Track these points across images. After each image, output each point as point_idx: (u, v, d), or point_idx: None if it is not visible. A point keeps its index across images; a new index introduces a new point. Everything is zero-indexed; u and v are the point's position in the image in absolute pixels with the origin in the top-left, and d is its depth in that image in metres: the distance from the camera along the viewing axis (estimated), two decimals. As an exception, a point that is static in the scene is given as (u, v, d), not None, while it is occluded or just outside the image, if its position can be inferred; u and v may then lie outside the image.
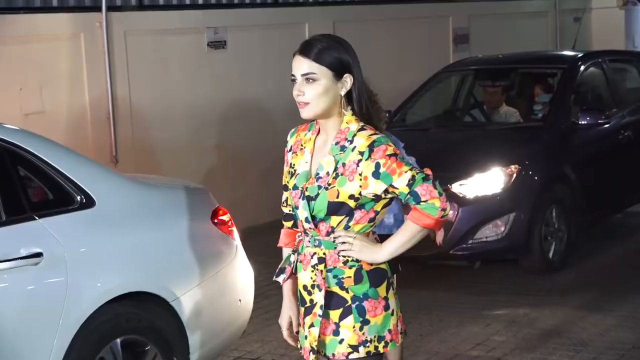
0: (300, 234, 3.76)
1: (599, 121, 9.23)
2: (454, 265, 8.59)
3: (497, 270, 8.65)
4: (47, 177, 5.05)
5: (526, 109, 9.81)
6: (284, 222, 3.93)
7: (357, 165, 3.56)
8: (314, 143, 3.72)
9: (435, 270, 8.44)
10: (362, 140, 3.57)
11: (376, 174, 3.54)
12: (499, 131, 9.30)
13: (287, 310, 3.89)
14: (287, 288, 3.87)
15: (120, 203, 5.26)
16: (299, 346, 3.84)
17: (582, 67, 9.77)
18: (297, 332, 3.86)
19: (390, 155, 3.54)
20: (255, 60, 11.09)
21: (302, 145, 3.76)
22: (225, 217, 5.73)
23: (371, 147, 3.55)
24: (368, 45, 10.84)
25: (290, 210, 3.86)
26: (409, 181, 3.54)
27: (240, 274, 5.77)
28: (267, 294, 7.83)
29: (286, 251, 3.90)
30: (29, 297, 4.71)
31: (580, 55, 10.13)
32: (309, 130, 3.78)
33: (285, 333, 3.92)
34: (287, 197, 3.84)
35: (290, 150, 3.81)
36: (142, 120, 9.81)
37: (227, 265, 5.65)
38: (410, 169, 3.55)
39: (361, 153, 3.56)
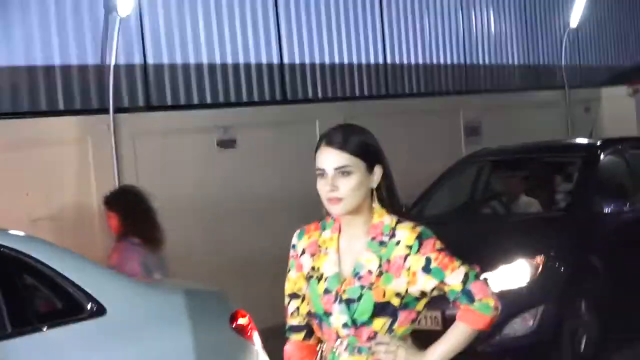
0: (323, 344, 3.44)
1: (624, 209, 8.99)
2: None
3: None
4: (55, 285, 4.81)
5: (546, 199, 9.58)
6: (292, 336, 3.58)
7: (405, 260, 3.29)
8: (338, 242, 3.43)
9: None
10: (407, 233, 3.32)
11: (427, 269, 3.28)
12: (521, 222, 9.05)
13: None
14: None
15: (133, 310, 5.01)
16: None
17: (602, 155, 9.57)
18: None
19: (440, 250, 3.30)
20: (266, 158, 10.93)
21: (320, 246, 3.46)
22: (245, 321, 5.46)
23: (420, 239, 3.30)
24: (379, 140, 10.65)
25: (301, 322, 3.54)
26: (463, 278, 3.29)
27: (262, 382, 5.48)
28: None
29: None
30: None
31: (599, 143, 9.96)
32: (325, 229, 3.48)
33: None
34: (297, 307, 3.53)
35: (302, 253, 3.50)
36: (152, 222, 9.57)
37: (248, 373, 5.36)
38: (463, 265, 3.31)
39: (409, 247, 3.30)
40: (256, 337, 5.53)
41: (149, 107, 10.03)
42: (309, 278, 3.45)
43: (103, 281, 4.99)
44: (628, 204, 9.10)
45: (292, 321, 3.57)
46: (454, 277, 3.28)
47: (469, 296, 3.30)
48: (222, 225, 10.34)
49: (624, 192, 9.52)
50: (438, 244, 3.31)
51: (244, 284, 10.30)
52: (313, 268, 3.45)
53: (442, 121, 13.84)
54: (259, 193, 10.78)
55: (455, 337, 3.35)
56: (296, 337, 3.57)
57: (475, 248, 8.24)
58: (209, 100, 10.65)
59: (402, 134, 12.60)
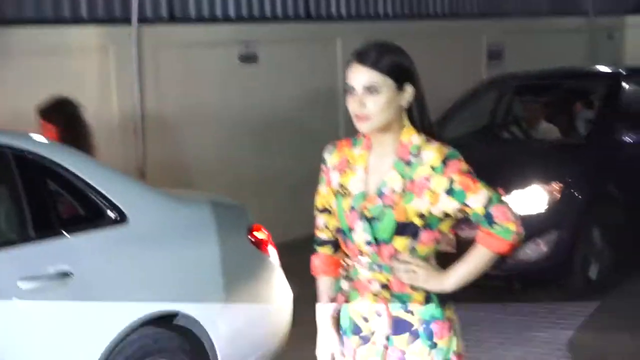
0: (349, 259, 3.47)
1: (644, 139, 8.94)
2: (494, 285, 8.30)
3: (538, 291, 8.36)
4: (77, 191, 4.83)
5: (566, 126, 9.55)
6: (319, 249, 3.63)
7: (428, 181, 3.30)
8: (367, 159, 3.44)
9: (474, 290, 8.15)
10: (433, 154, 3.31)
11: (449, 191, 3.28)
12: (539, 148, 9.04)
13: (329, 343, 3.57)
14: (327, 318, 3.56)
15: (154, 219, 5.04)
16: None
17: (625, 84, 9.49)
18: None
19: (464, 172, 3.29)
20: (287, 74, 10.90)
21: (350, 163, 3.46)
22: (263, 235, 5.50)
23: (445, 161, 3.29)
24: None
25: (329, 236, 3.59)
26: (485, 201, 3.28)
27: (278, 295, 5.55)
28: (302, 315, 7.56)
29: (325, 280, 3.61)
30: (57, 318, 4.49)
31: (622, 71, 9.87)
32: (355, 146, 3.47)
33: None
34: (326, 221, 3.57)
35: (333, 169, 3.51)
36: (171, 134, 9.62)
37: (265, 286, 5.43)
38: (486, 188, 3.30)
39: (433, 168, 3.29)
40: (273, 252, 5.58)
41: (172, 19, 9.99)
42: (336, 194, 3.46)
43: (125, 189, 5.00)
44: (649, 133, 9.05)
45: (321, 235, 3.61)
46: (477, 199, 3.27)
47: (490, 219, 3.29)
48: (241, 139, 10.36)
49: (645, 121, 9.48)
50: (464, 167, 3.29)
51: (261, 198, 10.36)
52: (341, 184, 3.46)
53: (465, 44, 13.76)
54: (279, 109, 10.78)
55: (476, 259, 3.37)
56: (323, 251, 3.62)
57: (492, 172, 8.15)
58: (232, 14, 10.59)
59: (424, 55, 12.39)
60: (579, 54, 16.34)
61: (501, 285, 8.29)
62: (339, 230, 3.49)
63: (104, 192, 4.84)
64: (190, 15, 10.16)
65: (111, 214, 4.84)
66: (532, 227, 7.85)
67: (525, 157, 8.75)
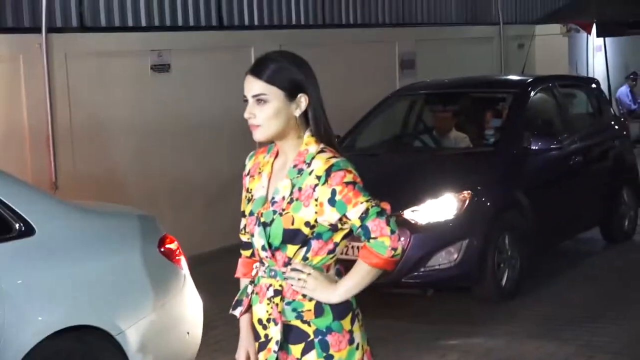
0: (256, 264, 3.52)
1: (551, 147, 9.10)
2: (407, 293, 8.38)
3: (451, 299, 8.47)
4: (-17, 203, 4.76)
5: (476, 134, 9.67)
6: (242, 251, 3.68)
7: (314, 190, 3.33)
8: (272, 166, 3.50)
9: (388, 299, 8.23)
10: (320, 163, 3.35)
11: (332, 201, 3.31)
12: (450, 156, 9.14)
13: (245, 345, 3.63)
14: (244, 321, 3.61)
15: (62, 231, 4.99)
16: None
17: (533, 92, 9.67)
18: None
19: (347, 183, 3.31)
20: (200, 83, 10.86)
21: (259, 169, 3.54)
22: (173, 246, 5.48)
23: (329, 171, 3.32)
24: (314, 70, 10.61)
25: (248, 238, 3.61)
26: (362, 214, 3.30)
27: (188, 305, 5.53)
28: (214, 325, 7.56)
29: (244, 282, 3.64)
30: (-38, 332, 4.41)
31: (530, 80, 10.04)
32: (268, 153, 3.55)
33: None
34: (245, 224, 3.61)
35: (248, 174, 3.58)
36: (83, 144, 9.51)
37: (175, 296, 5.40)
38: (367, 201, 3.31)
39: (318, 177, 3.33)
40: (183, 262, 5.56)
41: (83, 28, 9.89)
42: (246, 198, 3.54)
43: (32, 201, 4.94)
44: (556, 141, 9.20)
45: (242, 237, 3.65)
46: (355, 212, 3.30)
47: (366, 233, 3.32)
48: (154, 149, 10.30)
49: (552, 129, 9.66)
50: (348, 177, 3.31)
51: (176, 209, 10.31)
52: (248, 189, 3.54)
53: (377, 53, 13.86)
54: (192, 118, 10.74)
55: (358, 273, 3.39)
56: (244, 253, 3.66)
57: (403, 181, 8.35)
58: (143, 23, 10.52)
59: (337, 64, 12.60)
60: (489, 62, 16.60)
61: (415, 293, 8.37)
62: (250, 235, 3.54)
63: (10, 204, 4.77)
64: (101, 24, 10.06)
65: (18, 226, 4.77)
66: (444, 235, 7.99)
67: (436, 166, 8.85)
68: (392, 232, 3.32)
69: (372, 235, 3.31)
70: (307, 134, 3.42)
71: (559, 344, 7.17)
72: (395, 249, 3.32)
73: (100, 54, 9.77)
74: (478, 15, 16.64)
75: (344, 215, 3.32)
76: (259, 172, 3.53)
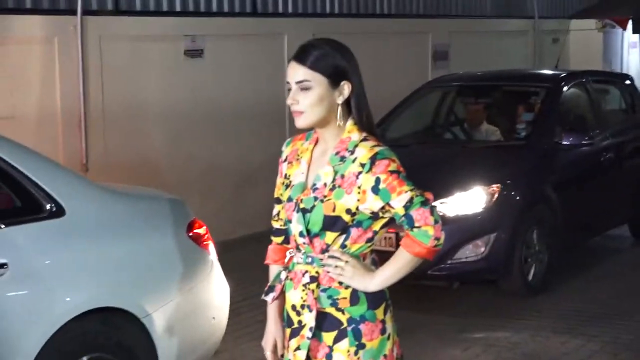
0: (291, 250, 3.53)
1: (582, 142, 9.06)
2: (432, 285, 8.37)
3: (476, 292, 8.47)
4: (15, 183, 4.79)
5: (507, 128, 9.64)
6: (273, 238, 3.70)
7: (357, 178, 3.35)
8: (312, 153, 3.51)
9: (413, 290, 8.23)
10: (364, 151, 3.36)
11: (375, 189, 3.33)
12: (480, 149, 9.11)
13: (272, 332, 3.64)
14: (272, 308, 3.63)
15: (92, 213, 5.01)
16: None
17: (566, 87, 9.63)
18: (282, 356, 3.62)
19: (392, 172, 3.33)
20: (233, 70, 10.89)
21: (298, 155, 3.54)
22: (202, 231, 5.49)
23: (373, 159, 3.34)
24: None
25: (282, 225, 3.64)
26: (406, 202, 3.32)
27: (215, 291, 5.54)
28: (239, 311, 7.59)
29: (274, 269, 3.66)
30: (-8, 310, 4.46)
31: (563, 75, 9.98)
32: (307, 140, 3.56)
33: (269, 357, 3.66)
34: (279, 211, 3.63)
35: (285, 160, 3.59)
36: (115, 127, 9.56)
37: (202, 281, 5.42)
38: (411, 190, 3.33)
39: (362, 165, 3.35)
40: (211, 247, 5.58)
41: (118, 11, 9.93)
42: (284, 185, 3.55)
43: (63, 182, 4.96)
44: (587, 137, 9.16)
45: (275, 224, 3.67)
46: (399, 200, 3.31)
47: (410, 221, 3.34)
48: (185, 134, 10.34)
49: (584, 124, 9.61)
50: (392, 166, 3.32)
51: (205, 194, 10.35)
52: (286, 175, 3.55)
53: (411, 44, 13.84)
54: (224, 104, 10.77)
55: (398, 262, 3.41)
56: (276, 240, 3.68)
57: (433, 173, 8.31)
58: (178, 7, 10.56)
59: (370, 54, 12.56)
60: (523, 56, 16.52)
61: (441, 285, 8.36)
62: (286, 221, 3.55)
63: (41, 184, 4.80)
64: (136, 8, 10.11)
65: (49, 206, 4.80)
66: (472, 228, 7.97)
67: (466, 159, 8.83)
68: (436, 221, 3.35)
69: (416, 225, 3.33)
70: (350, 121, 3.43)
71: (585, 340, 7.15)
72: (438, 239, 3.35)
73: (134, 38, 9.81)
74: (513, 9, 16.56)
75: (387, 204, 3.33)
76: (297, 159, 3.53)
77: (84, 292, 4.80)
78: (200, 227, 5.52)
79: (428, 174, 8.20)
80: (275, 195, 3.62)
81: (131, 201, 5.42)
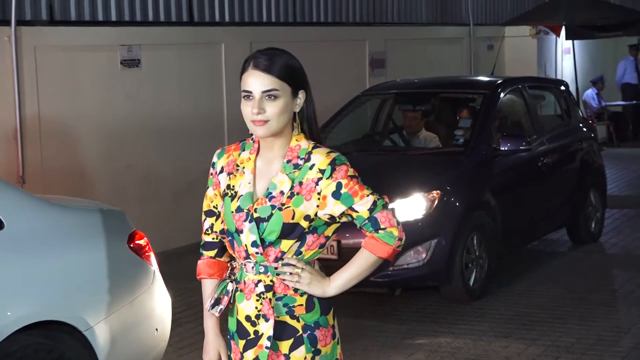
0: (235, 261, 3.51)
1: (520, 148, 9.14)
2: (375, 292, 8.39)
3: (418, 298, 8.50)
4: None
5: (445, 134, 9.70)
6: (204, 252, 3.65)
7: (316, 184, 3.37)
8: (254, 163, 3.49)
9: (356, 297, 8.24)
10: (321, 158, 3.39)
11: (336, 195, 3.36)
12: (420, 156, 9.15)
13: (215, 345, 3.60)
14: (212, 320, 3.59)
15: (31, 226, 4.95)
16: None
17: (502, 93, 9.71)
18: None
19: (352, 177, 3.38)
20: (170, 79, 10.82)
21: (238, 166, 3.51)
22: (143, 242, 5.46)
23: (332, 165, 3.37)
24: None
25: (214, 238, 3.61)
26: (370, 206, 3.37)
27: (157, 302, 5.51)
28: (181, 322, 7.55)
29: (209, 283, 3.61)
30: None
31: (500, 81, 10.06)
32: (244, 150, 3.54)
33: None
34: (212, 224, 3.60)
35: (221, 171, 3.55)
36: (51, 138, 9.45)
37: (144, 293, 5.38)
38: (372, 193, 3.39)
39: (321, 171, 3.37)
40: (153, 259, 5.54)
41: (52, 22, 9.82)
42: (224, 196, 3.51)
43: (0, 195, 4.91)
44: (524, 142, 9.23)
45: (206, 238, 3.64)
46: (362, 204, 3.36)
47: (374, 224, 3.38)
48: (123, 144, 10.25)
49: (521, 130, 9.72)
50: (350, 171, 3.38)
51: (143, 205, 10.27)
52: (229, 186, 3.51)
53: (348, 52, 13.88)
54: (161, 114, 10.70)
55: (359, 264, 3.45)
56: (208, 254, 3.64)
57: (373, 180, 8.25)
58: (114, 17, 10.45)
59: (307, 62, 12.50)
60: (459, 63, 16.66)
61: (383, 292, 8.39)
62: (225, 233, 3.52)
63: (-21, 197, 4.73)
64: (71, 18, 9.99)
65: (-14, 220, 4.73)
66: (413, 234, 7.99)
67: (405, 166, 8.86)
68: (398, 223, 3.43)
69: (382, 226, 3.38)
70: (297, 129, 3.45)
71: (526, 344, 7.22)
72: (401, 239, 3.42)
73: (69, 48, 9.71)
74: (448, 16, 16.69)
75: (350, 208, 3.37)
76: (239, 169, 3.50)
77: (25, 305, 4.74)
78: (141, 238, 5.48)
79: (368, 182, 8.22)
80: (206, 208, 3.60)
81: (71, 214, 5.37)
